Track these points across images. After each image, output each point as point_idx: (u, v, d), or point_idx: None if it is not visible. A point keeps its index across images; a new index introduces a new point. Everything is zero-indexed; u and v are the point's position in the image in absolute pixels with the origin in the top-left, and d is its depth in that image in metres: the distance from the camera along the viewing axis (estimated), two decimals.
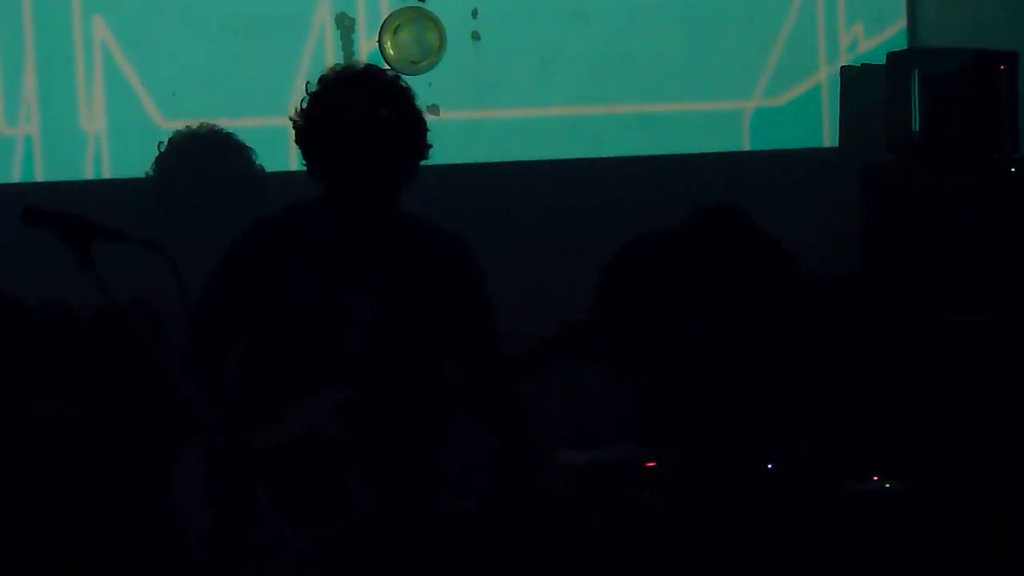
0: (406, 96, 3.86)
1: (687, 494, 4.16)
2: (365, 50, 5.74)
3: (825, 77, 6.14)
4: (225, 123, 5.50)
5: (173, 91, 5.57)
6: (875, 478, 4.31)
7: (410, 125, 3.84)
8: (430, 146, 3.90)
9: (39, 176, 5.48)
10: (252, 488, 3.13)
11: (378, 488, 3.75)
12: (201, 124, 5.47)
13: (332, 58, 5.64)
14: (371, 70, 3.91)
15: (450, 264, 3.92)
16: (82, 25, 5.51)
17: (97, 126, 5.54)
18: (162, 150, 5.47)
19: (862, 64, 6.08)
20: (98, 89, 5.53)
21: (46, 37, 5.49)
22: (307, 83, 3.91)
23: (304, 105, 3.87)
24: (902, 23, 6.11)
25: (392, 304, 3.82)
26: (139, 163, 5.48)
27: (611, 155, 5.96)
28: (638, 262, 4.61)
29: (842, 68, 6.08)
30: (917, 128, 5.60)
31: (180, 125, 5.48)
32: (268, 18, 5.64)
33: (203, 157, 5.48)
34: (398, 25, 5.74)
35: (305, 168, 3.88)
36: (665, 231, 4.68)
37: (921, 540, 4.16)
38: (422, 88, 5.59)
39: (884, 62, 5.84)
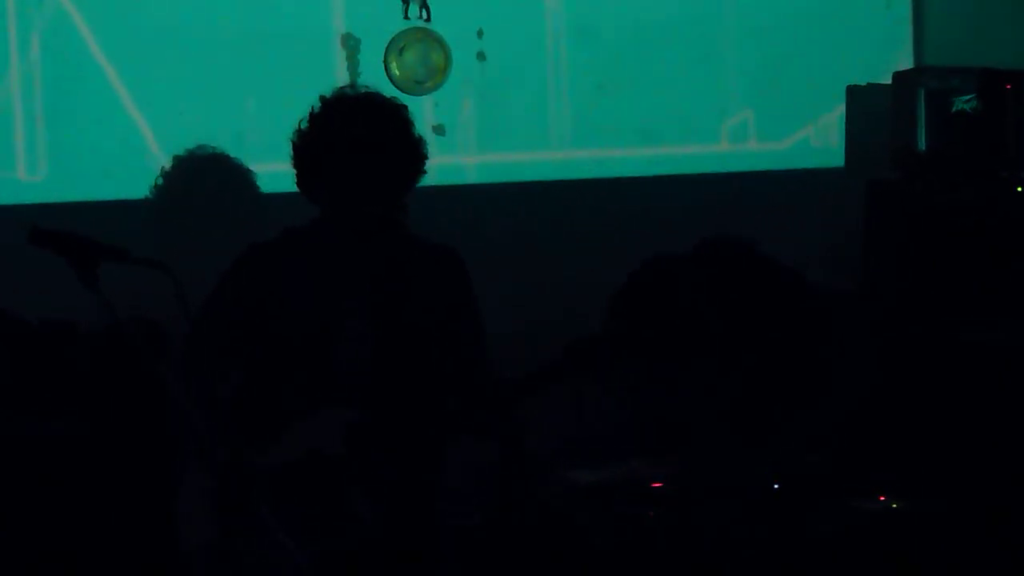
0: (404, 119, 3.88)
1: (691, 512, 4.16)
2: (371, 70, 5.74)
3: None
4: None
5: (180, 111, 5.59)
6: (881, 498, 4.30)
7: (406, 148, 3.86)
8: (425, 172, 3.92)
9: None
10: (254, 504, 3.13)
11: (380, 504, 3.75)
12: (201, 146, 5.48)
13: (338, 78, 5.63)
14: (370, 93, 3.93)
15: (446, 278, 3.93)
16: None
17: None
18: (163, 171, 5.48)
19: (868, 83, 6.08)
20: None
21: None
22: (312, 107, 3.93)
23: (304, 127, 3.89)
24: None
25: (390, 320, 3.83)
26: None
27: (616, 175, 5.96)
28: (647, 287, 4.62)
29: (848, 87, 6.08)
30: (923, 146, 5.59)
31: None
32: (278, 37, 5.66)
33: (203, 179, 5.49)
34: (404, 46, 5.75)
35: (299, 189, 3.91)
36: (674, 258, 4.69)
37: (925, 555, 4.15)
38: (427, 108, 5.61)
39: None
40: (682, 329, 4.40)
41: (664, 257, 4.81)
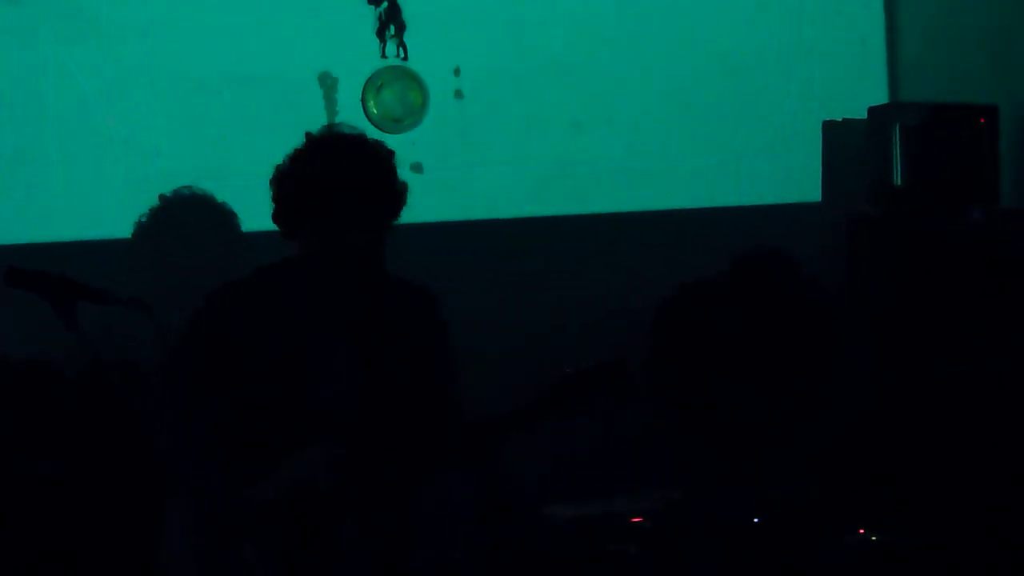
0: (384, 159, 3.90)
1: (673, 547, 4.15)
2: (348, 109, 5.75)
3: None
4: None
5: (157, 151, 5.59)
6: (861, 532, 4.30)
7: (386, 188, 3.89)
8: (402, 207, 3.94)
9: None
10: (239, 543, 3.13)
11: (368, 539, 3.74)
12: (181, 186, 5.48)
13: (316, 117, 5.63)
14: (350, 132, 3.95)
15: (421, 318, 3.94)
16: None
17: None
18: (143, 212, 5.48)
19: (844, 119, 6.11)
20: None
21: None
22: (298, 146, 3.95)
23: (284, 166, 3.91)
24: None
25: (368, 358, 3.83)
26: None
27: (597, 211, 5.97)
28: (685, 310, 4.61)
29: (824, 122, 6.11)
30: (899, 181, 5.61)
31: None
32: (250, 78, 5.67)
33: (183, 219, 5.48)
34: (381, 84, 5.76)
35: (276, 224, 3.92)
36: (709, 279, 4.68)
37: None
38: (405, 147, 5.61)
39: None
40: (716, 347, 4.39)
41: (701, 280, 4.81)
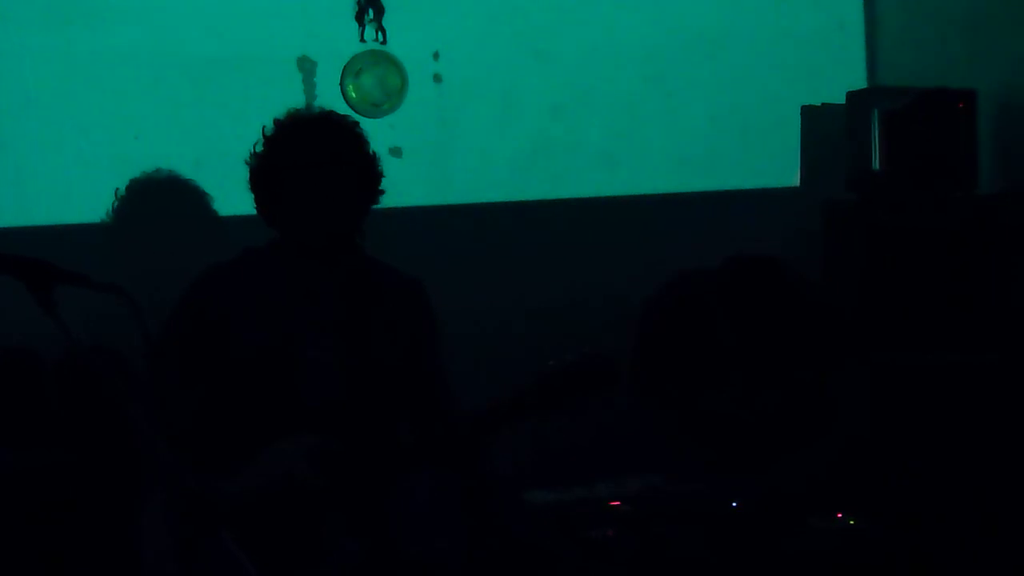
0: (360, 140, 3.89)
1: (652, 531, 4.16)
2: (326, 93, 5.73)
3: None
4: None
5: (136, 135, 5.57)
6: (839, 515, 4.32)
7: (362, 169, 3.87)
8: (383, 191, 3.92)
9: None
10: (217, 529, 3.12)
11: (361, 535, 3.74)
12: (158, 170, 5.46)
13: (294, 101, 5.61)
14: (324, 114, 3.93)
15: (411, 310, 3.93)
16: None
17: None
18: (120, 195, 5.46)
19: (822, 103, 6.12)
20: None
21: None
22: (264, 127, 3.93)
23: (258, 149, 3.89)
24: None
25: (356, 348, 3.82)
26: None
27: (575, 196, 5.97)
28: (675, 302, 4.61)
29: (802, 107, 6.12)
30: (877, 166, 5.62)
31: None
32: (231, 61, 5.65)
33: (161, 202, 5.47)
34: (360, 68, 5.75)
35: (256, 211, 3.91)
36: (701, 273, 4.68)
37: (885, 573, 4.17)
38: (384, 131, 5.60)
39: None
40: (705, 348, 4.40)
41: (691, 274, 4.81)
